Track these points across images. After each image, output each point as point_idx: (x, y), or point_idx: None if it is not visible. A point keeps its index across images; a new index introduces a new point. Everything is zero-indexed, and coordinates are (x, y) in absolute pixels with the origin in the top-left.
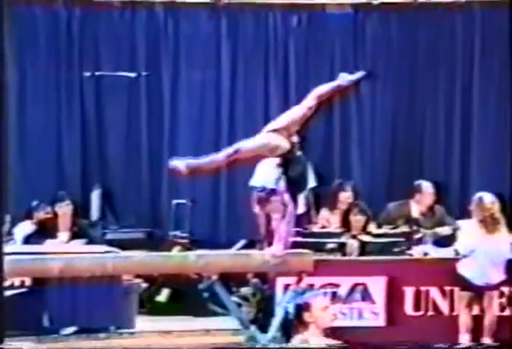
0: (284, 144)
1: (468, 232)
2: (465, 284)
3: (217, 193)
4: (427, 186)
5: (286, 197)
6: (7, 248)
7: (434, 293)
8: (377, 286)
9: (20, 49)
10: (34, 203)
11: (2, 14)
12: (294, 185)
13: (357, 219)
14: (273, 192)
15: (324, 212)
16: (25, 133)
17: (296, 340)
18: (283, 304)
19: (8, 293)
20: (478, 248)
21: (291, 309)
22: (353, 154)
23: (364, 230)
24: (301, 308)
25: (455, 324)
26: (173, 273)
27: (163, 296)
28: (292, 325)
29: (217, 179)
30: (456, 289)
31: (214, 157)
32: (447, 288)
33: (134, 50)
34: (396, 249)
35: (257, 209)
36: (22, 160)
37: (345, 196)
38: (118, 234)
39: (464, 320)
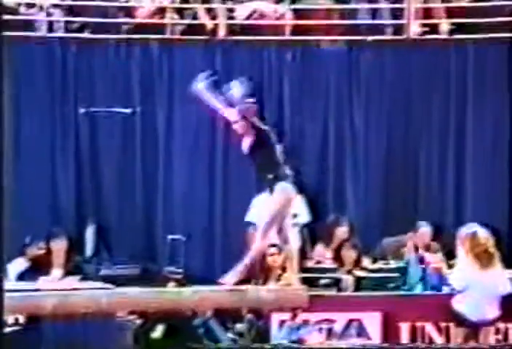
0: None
1: (462, 267)
2: (461, 320)
3: (212, 228)
4: (423, 225)
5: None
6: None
7: (430, 329)
8: (373, 321)
9: (16, 85)
10: (27, 239)
11: (1, 51)
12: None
13: (349, 255)
14: None
15: (320, 247)
16: (20, 169)
17: None
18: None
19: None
20: (472, 283)
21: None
22: (347, 189)
23: (356, 265)
24: (296, 344)
25: None
26: (168, 309)
27: (158, 332)
28: None
29: (212, 215)
30: (451, 325)
31: (256, 248)
32: (443, 324)
33: (128, 86)
34: (391, 285)
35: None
36: (16, 196)
37: (342, 231)
38: (113, 270)
39: None
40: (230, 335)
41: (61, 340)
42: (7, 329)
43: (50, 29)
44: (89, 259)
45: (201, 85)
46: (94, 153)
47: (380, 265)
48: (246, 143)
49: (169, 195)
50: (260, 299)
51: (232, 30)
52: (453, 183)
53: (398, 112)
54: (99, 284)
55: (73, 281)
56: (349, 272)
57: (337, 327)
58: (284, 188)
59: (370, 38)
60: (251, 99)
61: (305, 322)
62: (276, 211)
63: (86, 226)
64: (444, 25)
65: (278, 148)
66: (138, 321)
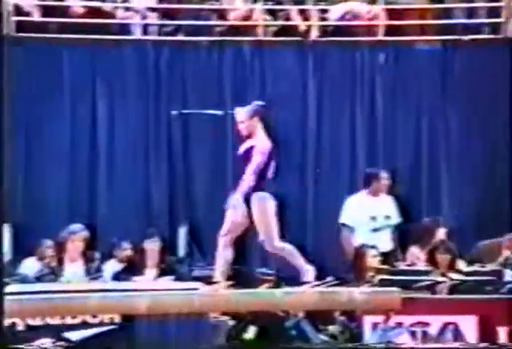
0: None
1: None
2: None
3: (304, 229)
4: None
5: None
6: (96, 285)
7: None
8: (469, 325)
9: (109, 87)
10: (116, 240)
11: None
12: None
13: (444, 257)
14: None
15: (415, 249)
16: (113, 171)
17: None
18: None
19: (98, 330)
20: None
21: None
22: (441, 191)
23: (451, 268)
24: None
25: None
26: (260, 310)
27: (250, 333)
28: None
29: (303, 216)
30: None
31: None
32: None
33: (220, 88)
34: (487, 288)
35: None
36: (111, 197)
37: (441, 233)
38: (205, 271)
39: None
40: (322, 337)
41: (154, 340)
42: (103, 328)
43: (144, 32)
44: (182, 259)
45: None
46: (186, 154)
47: (475, 267)
48: (244, 145)
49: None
50: (352, 301)
51: (324, 31)
52: None
53: (494, 112)
54: (192, 285)
55: (167, 282)
56: (443, 274)
57: (432, 330)
58: (260, 196)
59: (466, 37)
60: (261, 102)
61: (399, 325)
62: (265, 219)
63: (179, 227)
64: None
65: (272, 163)
66: (230, 322)
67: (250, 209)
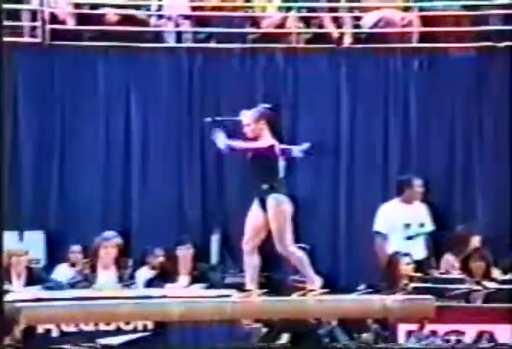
0: None
1: None
2: None
3: (337, 237)
4: None
5: None
6: (128, 292)
7: None
8: (505, 334)
9: (143, 94)
10: (149, 247)
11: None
12: None
13: (478, 265)
14: None
15: (449, 257)
16: (147, 178)
17: None
18: None
19: (132, 336)
20: None
21: None
22: (475, 199)
23: (485, 276)
24: None
25: None
26: (293, 318)
27: (283, 340)
28: None
29: (336, 223)
30: None
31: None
32: None
33: (253, 95)
34: None
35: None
36: (144, 204)
37: (476, 241)
38: (237, 278)
39: None
40: (355, 345)
41: (187, 346)
42: (136, 335)
43: (178, 39)
44: (215, 266)
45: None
46: (219, 162)
47: (510, 275)
48: (252, 148)
49: (292, 203)
50: (385, 309)
51: (358, 38)
52: None
53: None
54: (224, 292)
55: (199, 289)
56: (478, 283)
57: (467, 339)
58: (277, 199)
59: (501, 44)
60: (267, 105)
61: (433, 333)
62: (281, 222)
63: (211, 234)
64: None
65: (281, 162)
66: (263, 329)
67: (266, 212)
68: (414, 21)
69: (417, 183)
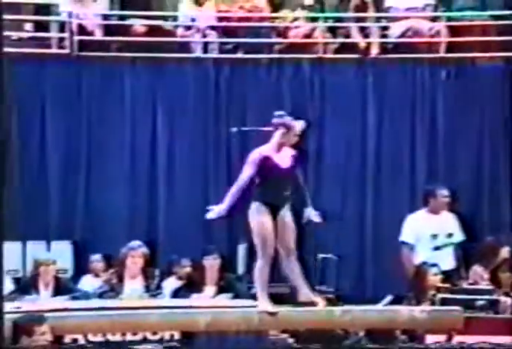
0: None
1: None
2: None
3: (363, 247)
4: None
5: None
6: (155, 302)
7: None
8: None
9: (169, 105)
10: (176, 257)
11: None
12: None
13: (506, 276)
14: None
15: (477, 268)
16: (173, 188)
17: None
18: None
19: (158, 347)
20: None
21: None
22: (502, 209)
23: None
24: None
25: None
26: (319, 329)
27: None
28: None
29: (362, 234)
30: None
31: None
32: None
33: (280, 105)
34: None
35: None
36: (170, 214)
37: (505, 251)
38: None
39: None
40: None
41: None
42: (163, 345)
43: (204, 50)
44: (241, 277)
45: None
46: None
47: None
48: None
49: (320, 214)
50: (413, 320)
51: (384, 48)
52: None
53: None
54: (251, 302)
55: (225, 299)
56: (507, 294)
57: None
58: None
59: None
60: (282, 112)
61: (461, 345)
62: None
63: (238, 244)
64: None
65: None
66: (290, 340)
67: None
68: (442, 31)
69: (442, 193)
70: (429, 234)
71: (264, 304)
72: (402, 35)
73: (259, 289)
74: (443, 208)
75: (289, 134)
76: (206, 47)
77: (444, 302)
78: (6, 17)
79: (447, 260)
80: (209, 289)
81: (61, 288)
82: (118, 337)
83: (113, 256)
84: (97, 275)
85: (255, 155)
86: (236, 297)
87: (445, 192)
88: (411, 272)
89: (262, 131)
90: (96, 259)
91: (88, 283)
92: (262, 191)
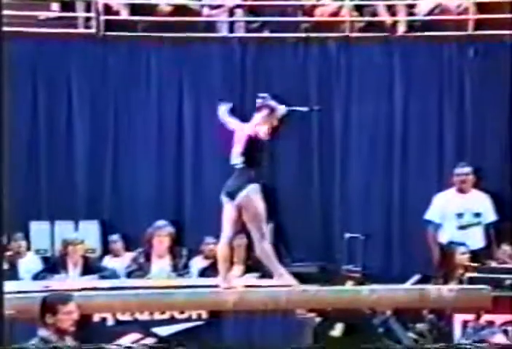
0: None
1: None
2: None
3: (390, 226)
4: None
5: None
6: (183, 281)
7: None
8: None
9: (195, 85)
10: (203, 236)
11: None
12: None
13: None
14: None
15: (506, 247)
16: (200, 167)
17: None
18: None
19: (186, 325)
20: None
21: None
22: None
23: None
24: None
25: None
26: (346, 308)
27: (337, 330)
28: None
29: (389, 213)
30: None
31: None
32: None
33: (306, 84)
34: None
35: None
36: (198, 193)
37: None
38: (291, 268)
39: None
40: (411, 335)
41: (241, 335)
42: (190, 324)
43: (230, 29)
44: None
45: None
46: (272, 151)
47: None
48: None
49: (346, 193)
50: (440, 299)
51: (411, 26)
52: None
53: None
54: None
55: (253, 278)
56: None
57: None
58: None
59: None
60: (265, 94)
61: (490, 323)
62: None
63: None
64: None
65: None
66: (317, 319)
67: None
68: (470, 8)
69: (462, 171)
70: (454, 213)
71: (287, 278)
72: (429, 13)
73: (275, 266)
74: (468, 186)
75: (272, 116)
76: (231, 26)
77: (472, 281)
78: None
79: (475, 239)
80: (237, 269)
81: (89, 267)
82: (146, 316)
83: (132, 236)
84: (116, 256)
85: None
86: (263, 276)
87: (464, 169)
88: (435, 251)
89: (288, 111)
90: (113, 240)
91: (108, 263)
92: (258, 173)
